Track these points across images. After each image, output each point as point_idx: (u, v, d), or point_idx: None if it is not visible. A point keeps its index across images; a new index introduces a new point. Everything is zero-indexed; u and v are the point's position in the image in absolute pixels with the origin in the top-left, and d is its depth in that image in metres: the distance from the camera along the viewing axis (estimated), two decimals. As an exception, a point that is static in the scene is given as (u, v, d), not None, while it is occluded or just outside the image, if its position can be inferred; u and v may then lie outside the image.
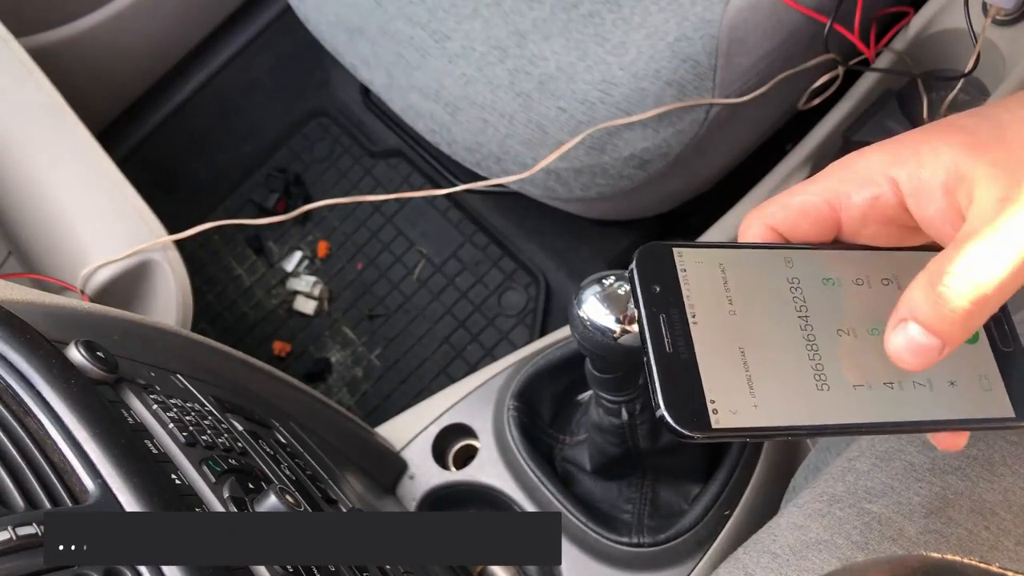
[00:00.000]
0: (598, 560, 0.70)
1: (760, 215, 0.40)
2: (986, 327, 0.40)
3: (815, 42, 0.80)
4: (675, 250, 0.38)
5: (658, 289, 0.36)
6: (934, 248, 0.39)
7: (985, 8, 0.76)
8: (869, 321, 0.39)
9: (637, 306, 0.36)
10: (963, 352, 0.39)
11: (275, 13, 1.32)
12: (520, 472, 0.73)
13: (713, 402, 0.35)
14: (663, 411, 0.34)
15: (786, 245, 0.40)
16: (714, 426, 0.34)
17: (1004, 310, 0.40)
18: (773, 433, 0.36)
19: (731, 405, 0.35)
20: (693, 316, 0.36)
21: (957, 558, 0.32)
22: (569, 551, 0.71)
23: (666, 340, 0.35)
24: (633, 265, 0.37)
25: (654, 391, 0.35)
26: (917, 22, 0.85)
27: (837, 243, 0.40)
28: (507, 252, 1.16)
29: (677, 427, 0.34)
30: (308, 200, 1.22)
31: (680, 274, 0.37)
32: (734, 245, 0.39)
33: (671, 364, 0.35)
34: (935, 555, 0.33)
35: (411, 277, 1.18)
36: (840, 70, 0.85)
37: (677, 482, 0.74)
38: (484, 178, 0.88)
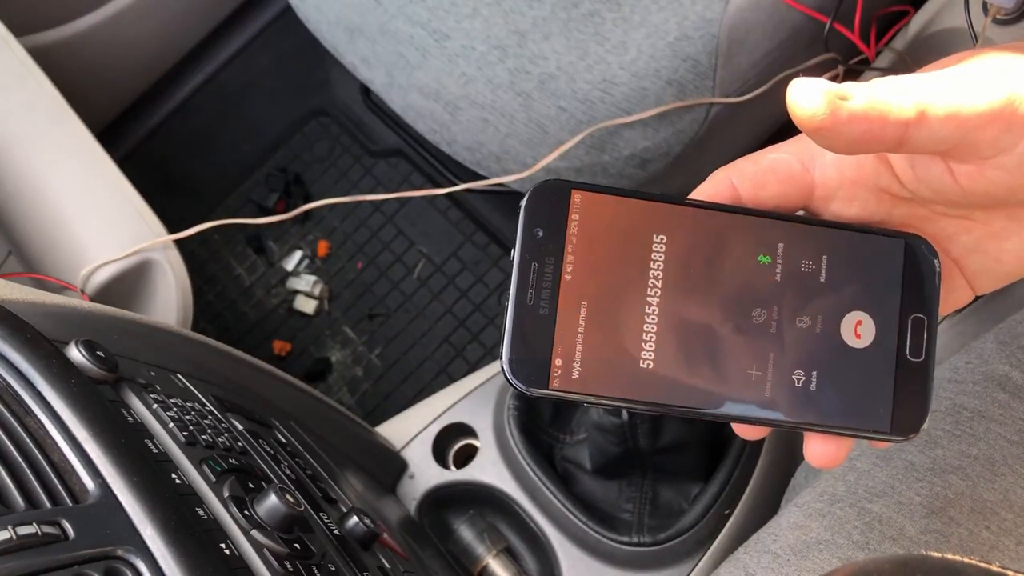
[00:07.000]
0: (598, 559, 0.70)
1: (726, 168, 0.37)
2: (900, 332, 0.36)
3: (815, 42, 0.80)
4: (574, 192, 0.35)
5: (541, 234, 0.34)
6: (894, 232, 0.36)
7: (985, 7, 0.76)
8: (760, 303, 0.35)
9: (515, 247, 0.34)
10: (849, 354, 0.36)
11: (275, 13, 1.32)
12: (520, 471, 0.73)
13: (559, 363, 0.34)
14: (504, 363, 0.34)
15: (706, 204, 0.36)
16: (551, 386, 0.34)
17: (930, 316, 0.36)
18: (607, 402, 0.34)
19: (573, 367, 0.34)
20: (568, 269, 0.34)
21: (958, 558, 0.32)
22: (569, 550, 0.71)
23: (530, 291, 0.34)
24: (523, 202, 0.35)
25: (502, 339, 0.34)
26: (917, 21, 0.85)
27: (789, 215, 0.37)
28: (507, 251, 1.15)
29: (514, 381, 0.34)
30: (308, 199, 1.22)
31: (570, 220, 0.35)
32: (647, 196, 0.36)
33: (528, 317, 0.34)
34: (935, 555, 0.32)
35: (411, 276, 1.18)
36: (840, 69, 0.84)
37: (677, 481, 0.74)
38: (484, 177, 0.88)
